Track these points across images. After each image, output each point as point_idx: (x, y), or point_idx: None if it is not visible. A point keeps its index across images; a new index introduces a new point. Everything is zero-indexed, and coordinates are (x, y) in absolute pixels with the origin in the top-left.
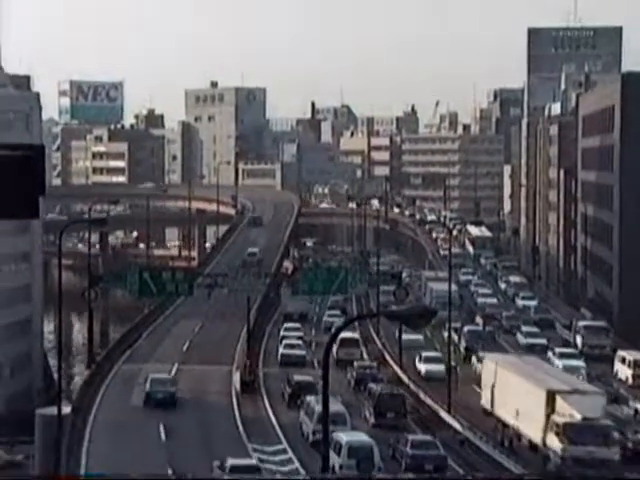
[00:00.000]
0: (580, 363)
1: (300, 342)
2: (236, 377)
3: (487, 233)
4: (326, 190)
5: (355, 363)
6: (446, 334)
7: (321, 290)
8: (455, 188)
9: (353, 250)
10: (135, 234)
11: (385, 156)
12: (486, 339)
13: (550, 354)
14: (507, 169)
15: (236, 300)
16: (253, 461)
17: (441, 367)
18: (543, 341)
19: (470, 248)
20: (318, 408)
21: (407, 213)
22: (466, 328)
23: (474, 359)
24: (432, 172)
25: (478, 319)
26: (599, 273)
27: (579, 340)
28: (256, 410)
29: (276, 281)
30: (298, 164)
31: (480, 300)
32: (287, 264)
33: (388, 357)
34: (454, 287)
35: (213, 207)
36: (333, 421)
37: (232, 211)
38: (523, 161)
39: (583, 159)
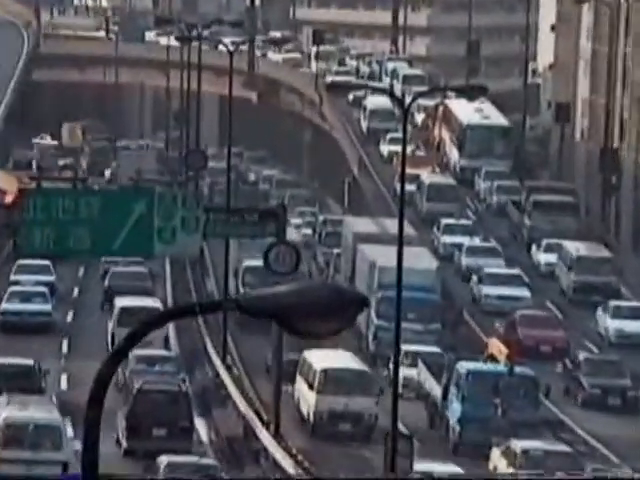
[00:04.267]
0: None
1: (44, 290)
2: None
3: (495, 116)
4: None
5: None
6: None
7: (87, 247)
8: (419, 6)
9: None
10: None
11: None
12: (514, 399)
13: None
14: None
15: None
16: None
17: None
18: None
19: (454, 152)
20: (6, 415)
21: (334, 68)
22: (464, 367)
23: (494, 453)
24: None
25: (493, 343)
26: None
27: None
28: None
29: None
30: None
31: (487, 291)
32: (4, 178)
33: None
34: (434, 263)
35: None
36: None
37: None
38: None
39: None
